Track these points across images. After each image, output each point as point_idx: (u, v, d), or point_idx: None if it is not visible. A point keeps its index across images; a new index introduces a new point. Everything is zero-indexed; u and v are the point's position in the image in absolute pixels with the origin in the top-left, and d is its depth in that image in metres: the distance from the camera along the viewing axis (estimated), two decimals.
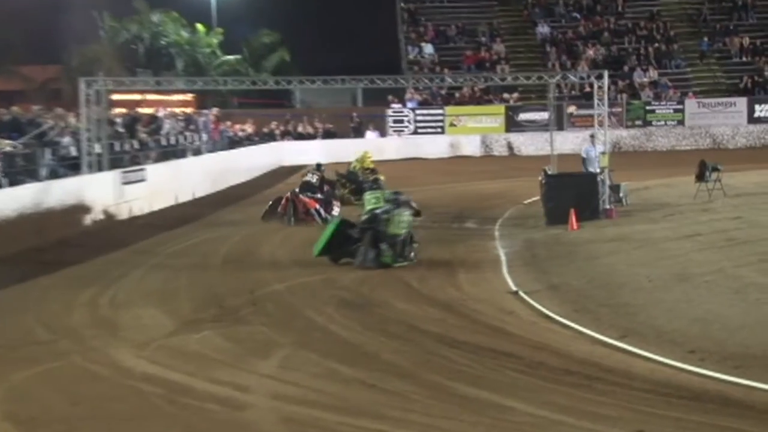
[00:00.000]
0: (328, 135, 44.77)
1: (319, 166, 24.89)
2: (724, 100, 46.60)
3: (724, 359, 10.19)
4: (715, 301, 12.76)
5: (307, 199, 23.00)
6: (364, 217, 17.44)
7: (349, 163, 28.51)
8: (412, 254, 17.11)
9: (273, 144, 42.66)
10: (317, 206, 23.00)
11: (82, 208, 22.05)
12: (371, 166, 27.56)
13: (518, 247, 18.59)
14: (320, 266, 16.84)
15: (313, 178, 23.93)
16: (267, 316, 13.16)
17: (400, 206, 17.37)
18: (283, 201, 23.08)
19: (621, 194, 23.68)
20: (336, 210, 23.28)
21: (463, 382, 9.78)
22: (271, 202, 23.68)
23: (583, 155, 24.14)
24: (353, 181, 26.42)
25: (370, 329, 12.23)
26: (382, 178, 26.58)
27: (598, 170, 22.68)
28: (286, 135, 44.49)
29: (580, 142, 39.27)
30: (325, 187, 24.20)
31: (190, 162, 30.79)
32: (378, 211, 17.30)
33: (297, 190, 23.50)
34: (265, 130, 43.64)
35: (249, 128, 42.69)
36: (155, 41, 50.91)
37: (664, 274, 14.68)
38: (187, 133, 33.52)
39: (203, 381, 10.02)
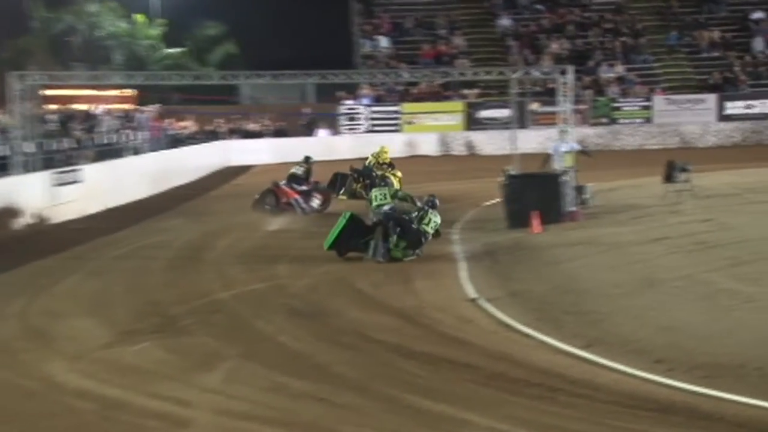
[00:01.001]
0: (278, 133, 44.67)
1: (307, 159, 26.02)
2: (693, 96, 47.03)
3: (692, 369, 10.27)
4: (683, 308, 12.87)
5: (287, 189, 24.85)
6: (373, 213, 18.72)
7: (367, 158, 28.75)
8: (418, 250, 18.09)
9: (219, 143, 42.50)
10: (297, 197, 24.82)
11: (11, 212, 21.82)
12: (387, 161, 27.94)
13: (478, 251, 18.62)
14: (269, 273, 16.80)
15: (299, 170, 25.43)
16: (211, 326, 13.09)
17: (435, 207, 18.64)
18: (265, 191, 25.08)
19: (586, 196, 23.81)
20: (315, 202, 25.11)
21: (419, 395, 9.78)
22: (258, 195, 25.17)
23: (552, 152, 24.28)
24: (367, 176, 26.68)
25: (322, 339, 12.20)
26: (399, 174, 26.99)
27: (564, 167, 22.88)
28: (233, 133, 44.34)
29: (543, 140, 39.52)
30: (311, 179, 25.54)
31: (129, 162, 30.59)
32: (386, 207, 18.70)
33: (283, 181, 25.13)
34: (210, 127, 43.46)
35: (192, 126, 42.49)
36: (92, 33, 50.57)
37: (630, 280, 14.79)
38: (126, 131, 33.31)
39: (142, 396, 9.95)
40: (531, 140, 40.33)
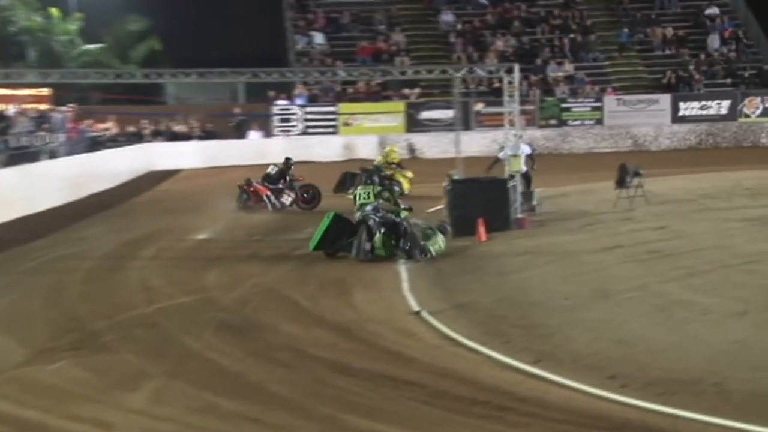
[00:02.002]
0: (206, 135, 44.42)
1: (287, 159, 28.56)
2: (646, 97, 47.48)
3: (647, 385, 10.36)
4: (637, 320, 12.98)
5: (259, 187, 27.56)
6: (357, 212, 19.39)
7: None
8: (420, 255, 18.72)
9: (142, 145, 42.19)
10: (268, 193, 27.47)
11: None
12: (395, 161, 28.32)
13: (421, 261, 18.65)
14: (196, 285, 16.72)
15: (273, 170, 27.96)
16: (135, 342, 12.98)
17: (444, 234, 19.64)
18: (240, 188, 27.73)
19: (534, 202, 23.98)
20: (287, 199, 27.61)
21: (358, 414, 9.77)
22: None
23: (502, 156, 24.42)
24: (375, 175, 27.08)
25: (254, 356, 12.15)
26: (408, 174, 27.66)
27: (524, 169, 23.16)
28: (157, 135, 44.02)
29: (489, 143, 39.77)
30: (287, 178, 27.91)
31: (44, 166, 30.23)
32: (369, 207, 19.28)
33: (258, 180, 27.75)
34: (133, 129, 43.11)
35: (113, 128, 42.13)
36: (3, 28, 49.92)
37: (582, 291, 14.90)
38: (41, 133, 32.92)
39: (60, 418, 9.84)
40: (476, 143, 40.65)
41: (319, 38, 49.72)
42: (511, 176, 22.67)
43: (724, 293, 14.16)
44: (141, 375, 11.36)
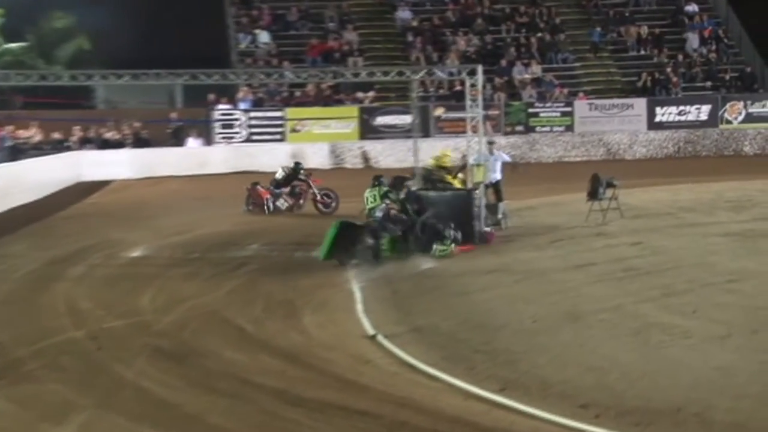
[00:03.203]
0: (140, 143, 44.21)
1: (297, 164, 31.19)
2: (620, 101, 47.65)
3: (622, 415, 10.41)
4: (611, 344, 13.05)
5: (262, 191, 30.06)
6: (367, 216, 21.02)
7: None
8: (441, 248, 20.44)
9: (69, 154, 41.92)
10: (267, 197, 29.91)
11: None
12: (447, 165, 28.67)
13: (376, 280, 18.67)
14: (129, 307, 16.64)
15: (281, 175, 30.42)
16: (61, 371, 12.90)
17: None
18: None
19: (500, 215, 24.06)
20: (282, 203, 29.96)
21: None
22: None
23: (472, 162, 24.53)
24: (426, 179, 27.25)
25: (193, 385, 12.11)
26: (462, 176, 27.77)
27: (498, 177, 23.30)
28: (86, 143, 43.75)
29: (450, 151, 39.80)
30: (294, 183, 30.28)
31: None
32: (378, 210, 20.85)
33: (264, 184, 30.24)
34: (58, 136, 42.82)
35: (37, 134, 41.85)
36: None
37: (551, 313, 14.95)
38: None
39: None
40: (435, 150, 40.57)
41: (264, 37, 49.59)
42: (474, 187, 22.73)
43: (705, 315, 14.28)
44: (68, 406, 11.29)
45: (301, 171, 30.73)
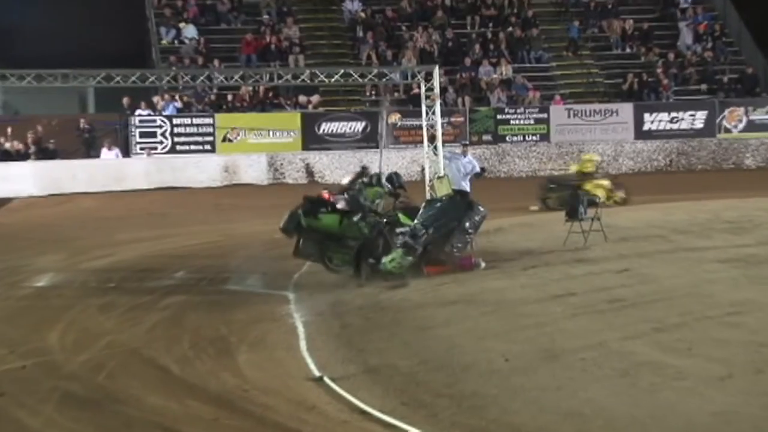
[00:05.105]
0: (46, 154, 43.97)
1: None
2: (603, 107, 47.76)
3: None
4: (595, 387, 13.10)
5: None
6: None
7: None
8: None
9: None
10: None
11: None
12: (589, 170, 29.08)
13: (322, 314, 18.69)
14: (34, 346, 16.57)
15: (345, 180, 29.00)
16: None
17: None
18: None
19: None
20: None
21: None
22: None
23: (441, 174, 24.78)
24: (565, 185, 27.69)
25: None
26: (604, 183, 28.61)
27: (466, 188, 23.54)
28: None
29: (408, 163, 39.98)
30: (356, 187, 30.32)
31: None
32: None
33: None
34: None
35: None
36: None
37: (524, 351, 15.00)
38: None
39: None
40: (391, 163, 40.66)
41: (190, 31, 49.47)
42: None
43: (702, 353, 14.36)
44: None
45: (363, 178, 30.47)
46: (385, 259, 21.00)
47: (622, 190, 32.96)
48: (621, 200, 32.24)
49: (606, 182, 30.58)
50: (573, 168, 31.19)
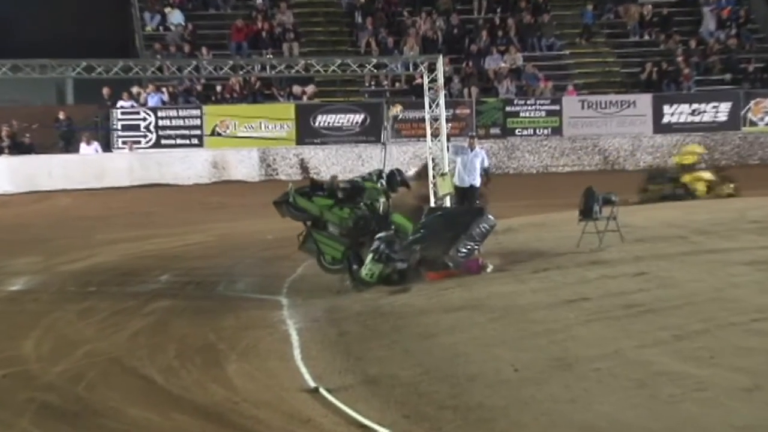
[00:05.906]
0: (21, 149, 43.95)
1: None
2: (619, 98, 47.69)
3: None
4: (610, 399, 13.11)
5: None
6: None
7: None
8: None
9: None
10: None
11: None
12: (688, 162, 29.29)
13: (318, 320, 18.71)
14: (9, 355, 16.61)
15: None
16: None
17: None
18: None
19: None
20: None
21: None
22: None
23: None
24: (664, 179, 27.88)
25: None
26: (705, 176, 28.53)
27: (475, 183, 23.56)
28: None
29: (410, 159, 39.97)
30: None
31: None
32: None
33: None
34: None
35: None
36: None
37: (535, 360, 15.01)
38: None
39: None
40: (392, 158, 40.58)
41: (176, 17, 49.47)
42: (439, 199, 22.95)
43: (725, 362, 14.35)
44: None
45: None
46: (363, 267, 21.19)
47: (731, 183, 32.90)
48: (728, 194, 32.13)
49: (708, 175, 30.54)
50: (675, 159, 31.39)
